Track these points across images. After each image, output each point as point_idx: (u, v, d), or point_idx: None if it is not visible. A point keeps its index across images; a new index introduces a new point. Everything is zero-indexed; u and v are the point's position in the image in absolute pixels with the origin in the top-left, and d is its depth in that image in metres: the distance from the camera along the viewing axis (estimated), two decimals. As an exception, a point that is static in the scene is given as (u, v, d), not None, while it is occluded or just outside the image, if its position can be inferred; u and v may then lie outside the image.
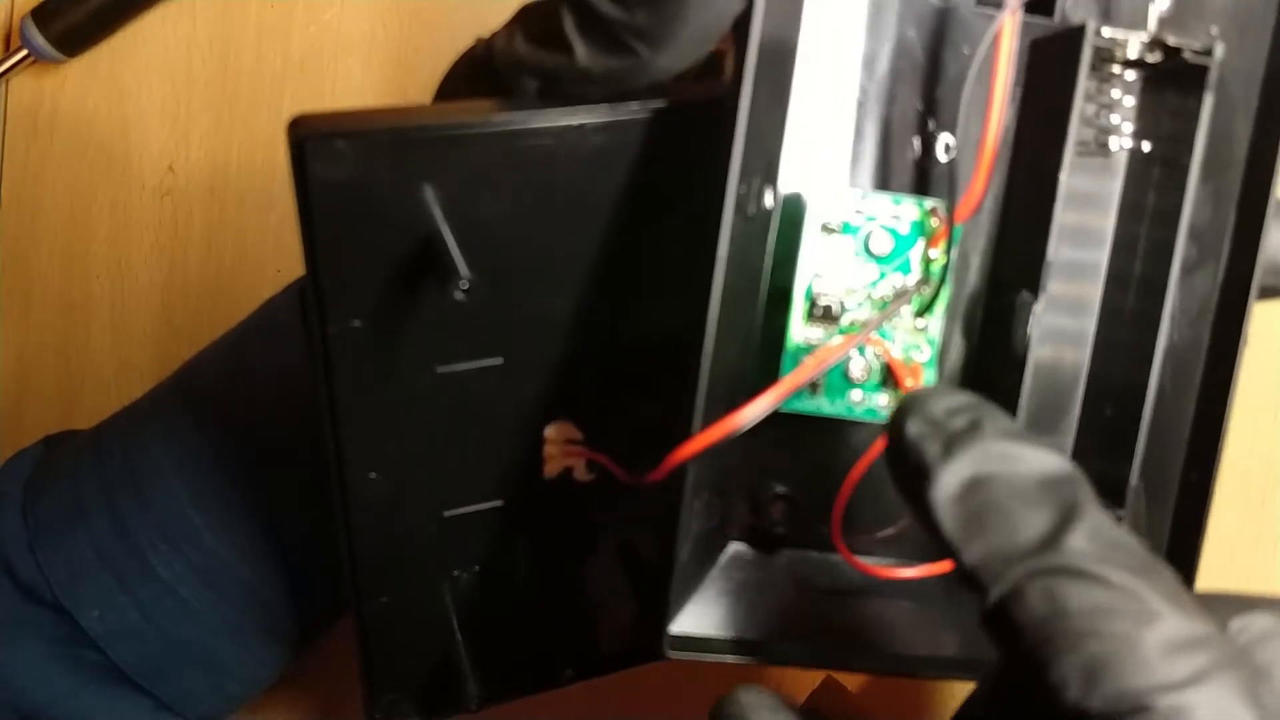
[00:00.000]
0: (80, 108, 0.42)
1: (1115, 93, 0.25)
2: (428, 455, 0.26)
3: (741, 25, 0.21)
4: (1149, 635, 0.17)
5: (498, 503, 0.27)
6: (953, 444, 0.19)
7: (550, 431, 0.26)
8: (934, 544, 0.19)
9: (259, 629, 0.31)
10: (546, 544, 0.27)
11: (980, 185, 0.24)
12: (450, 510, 0.26)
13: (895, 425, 0.20)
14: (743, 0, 0.21)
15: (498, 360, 0.25)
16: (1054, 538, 0.18)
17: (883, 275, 0.25)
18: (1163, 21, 0.25)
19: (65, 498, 0.30)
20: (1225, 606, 0.20)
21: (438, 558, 0.27)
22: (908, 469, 0.20)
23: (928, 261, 0.25)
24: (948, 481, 0.19)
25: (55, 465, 0.32)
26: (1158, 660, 0.17)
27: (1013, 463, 0.19)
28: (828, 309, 0.25)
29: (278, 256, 0.43)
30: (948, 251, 0.24)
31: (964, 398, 0.20)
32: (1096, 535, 0.18)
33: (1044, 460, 0.19)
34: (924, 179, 0.25)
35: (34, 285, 0.42)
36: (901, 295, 0.24)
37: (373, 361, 0.24)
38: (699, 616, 0.25)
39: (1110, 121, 0.25)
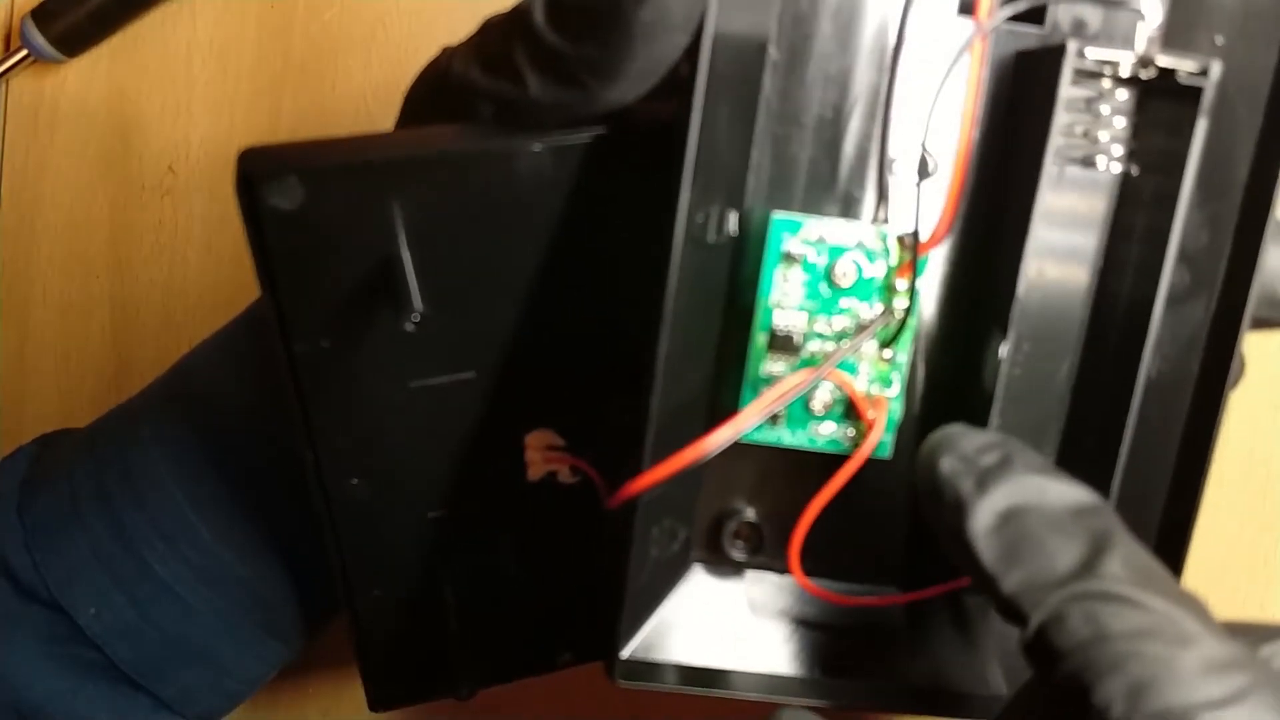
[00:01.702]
0: (80, 108, 0.42)
1: (1105, 109, 0.23)
2: (409, 462, 0.26)
3: (692, 52, 0.21)
4: (1189, 657, 0.18)
5: (483, 505, 0.27)
6: (986, 479, 0.21)
7: (531, 439, 0.26)
8: (971, 576, 0.20)
9: (258, 626, 0.31)
10: (537, 539, 0.28)
11: (948, 214, 0.23)
12: (435, 513, 0.26)
13: (927, 462, 0.21)
14: (689, 34, 0.20)
15: (470, 374, 0.25)
16: (1091, 564, 0.19)
17: (845, 308, 0.24)
18: (1163, 31, 0.23)
19: (61, 496, 0.31)
20: (1252, 634, 0.20)
21: (427, 555, 0.27)
22: (943, 504, 0.21)
23: (893, 291, 0.23)
24: (983, 514, 0.20)
25: (51, 464, 0.32)
26: (1198, 680, 0.17)
27: (1044, 494, 0.20)
28: (789, 339, 0.24)
29: (278, 256, 0.43)
30: (914, 281, 0.23)
31: (992, 436, 0.22)
32: (1130, 562, 0.19)
33: (1073, 492, 0.20)
34: (893, 202, 0.24)
35: (34, 285, 0.43)
36: (865, 328, 0.23)
37: (344, 378, 0.24)
38: (656, 641, 0.25)
39: (1100, 140, 0.24)
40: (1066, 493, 0.20)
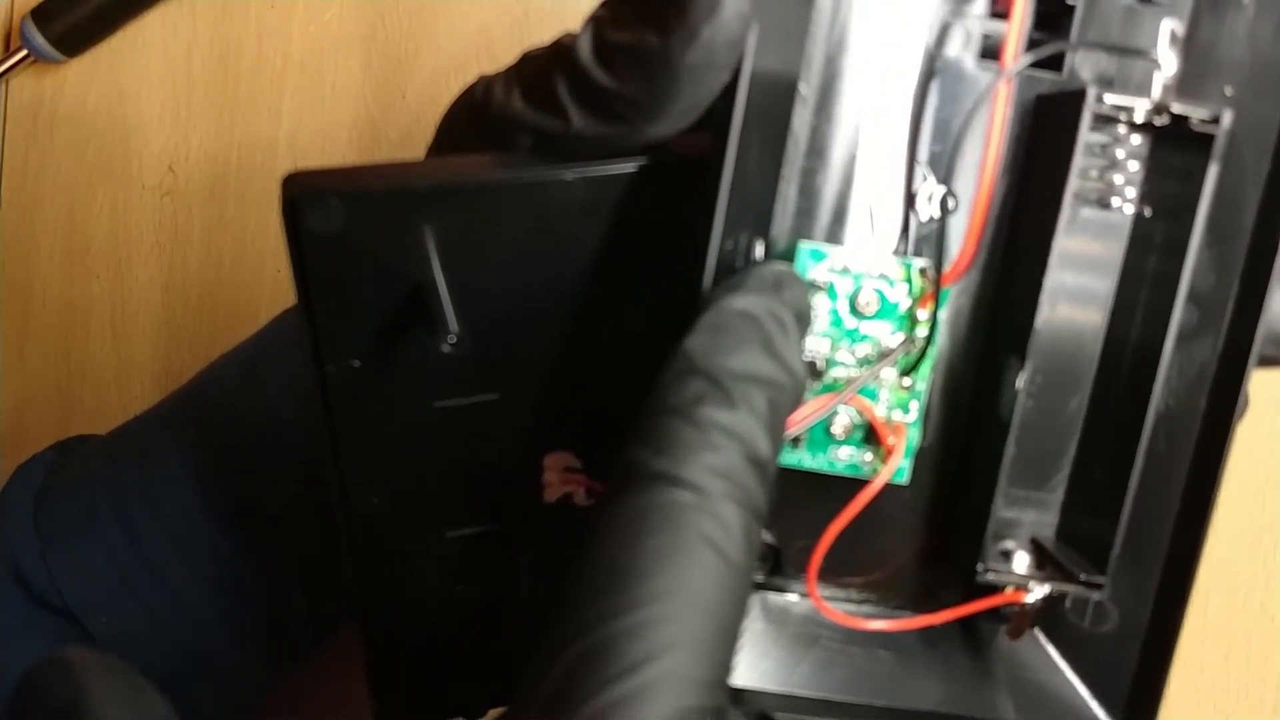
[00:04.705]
0: (80, 108, 0.42)
1: (1120, 153, 0.24)
2: (428, 481, 0.26)
3: (729, 91, 0.21)
4: None
5: (500, 525, 0.27)
6: None
7: (549, 460, 0.27)
8: None
9: (269, 638, 0.31)
10: (551, 560, 0.28)
11: (969, 249, 0.23)
12: (453, 532, 0.27)
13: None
14: (731, 72, 0.21)
15: (494, 396, 0.26)
16: None
17: (867, 335, 0.24)
18: (1176, 80, 0.24)
19: (77, 505, 0.31)
20: None
21: (442, 574, 0.27)
22: None
23: (915, 321, 0.24)
24: None
25: (67, 472, 0.32)
26: None
27: None
28: (812, 364, 0.24)
29: (278, 256, 0.43)
30: (935, 312, 0.24)
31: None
32: None
33: None
34: (916, 236, 0.25)
35: (34, 285, 0.42)
36: (886, 355, 0.24)
37: (371, 397, 0.25)
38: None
39: (1114, 182, 0.24)
40: None
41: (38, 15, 0.39)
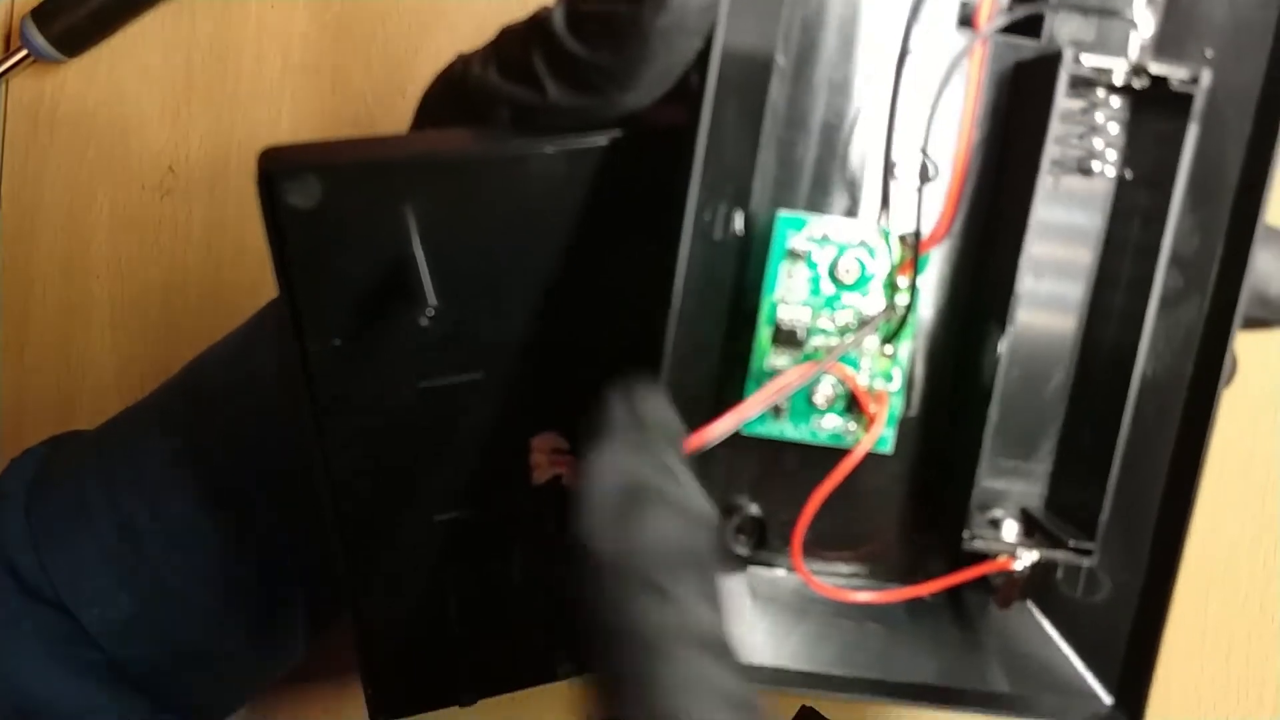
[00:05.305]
0: (80, 108, 0.42)
1: (1100, 117, 0.24)
2: (415, 463, 0.26)
3: (702, 60, 0.21)
4: None
5: (488, 508, 0.27)
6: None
7: (536, 441, 0.27)
8: None
9: (263, 628, 0.31)
10: (540, 544, 0.28)
11: (948, 213, 0.23)
12: (441, 515, 0.27)
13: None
14: (703, 39, 0.21)
15: (478, 375, 0.25)
16: None
17: (848, 304, 0.24)
18: (1155, 42, 0.24)
19: (69, 497, 0.31)
20: None
21: (431, 559, 0.27)
22: None
23: (895, 288, 0.24)
24: None
25: (60, 464, 0.32)
26: None
27: None
28: (793, 334, 0.24)
29: (277, 256, 0.43)
30: (914, 279, 0.24)
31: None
32: None
33: None
34: (895, 204, 0.24)
35: (34, 285, 0.43)
36: (867, 323, 0.24)
37: (354, 377, 0.25)
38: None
39: (1095, 146, 0.24)
40: None
41: (38, 15, 0.40)
